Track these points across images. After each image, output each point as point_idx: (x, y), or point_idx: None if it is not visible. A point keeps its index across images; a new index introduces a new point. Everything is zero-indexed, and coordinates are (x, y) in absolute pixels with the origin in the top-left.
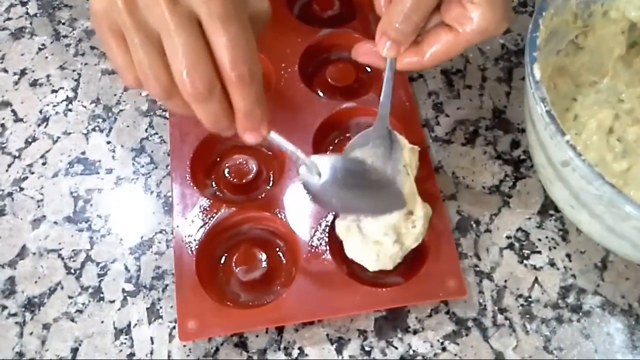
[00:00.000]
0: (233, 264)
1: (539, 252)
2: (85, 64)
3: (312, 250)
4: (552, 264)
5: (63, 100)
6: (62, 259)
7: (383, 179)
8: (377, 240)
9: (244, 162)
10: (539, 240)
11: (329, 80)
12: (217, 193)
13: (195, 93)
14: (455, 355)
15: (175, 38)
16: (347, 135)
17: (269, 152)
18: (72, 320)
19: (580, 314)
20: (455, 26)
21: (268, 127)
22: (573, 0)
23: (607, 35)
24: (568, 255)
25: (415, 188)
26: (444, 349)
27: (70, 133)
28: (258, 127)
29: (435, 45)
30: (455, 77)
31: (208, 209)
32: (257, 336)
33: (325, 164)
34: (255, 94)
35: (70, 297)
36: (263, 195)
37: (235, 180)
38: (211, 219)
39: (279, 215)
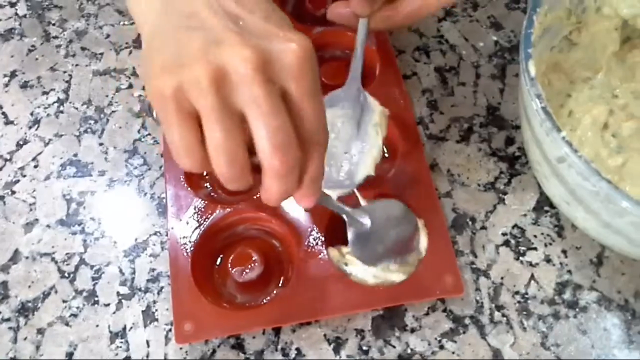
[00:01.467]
0: (229, 265)
1: (535, 249)
2: (76, 65)
3: (309, 250)
4: (548, 260)
5: (54, 102)
6: (56, 262)
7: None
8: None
9: None
10: (535, 236)
11: (323, 78)
12: (212, 194)
13: (284, 169)
14: (453, 353)
15: (271, 119)
16: None
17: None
18: (67, 324)
19: (577, 309)
20: None
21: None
22: None
23: (601, 32)
24: (564, 251)
25: (382, 149)
26: (441, 347)
27: (62, 135)
28: (318, 193)
29: (408, 3)
30: (449, 75)
31: (203, 210)
32: (254, 337)
33: (363, 213)
34: (324, 161)
35: (64, 301)
36: (258, 196)
37: None
38: (206, 220)
39: (274, 215)
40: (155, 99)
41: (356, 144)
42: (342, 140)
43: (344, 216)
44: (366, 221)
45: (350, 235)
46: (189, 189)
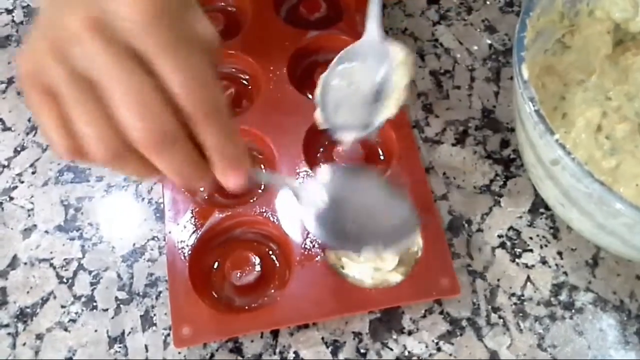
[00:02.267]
0: (226, 269)
1: (531, 251)
2: None
3: (306, 252)
4: (543, 261)
5: None
6: (54, 268)
7: (390, 195)
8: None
9: None
10: (530, 238)
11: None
12: (209, 198)
13: (154, 142)
14: (450, 355)
15: (116, 82)
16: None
17: (260, 156)
18: (66, 329)
19: (573, 311)
20: None
21: (251, 163)
22: None
23: (593, 35)
24: (559, 253)
25: (405, 92)
26: (438, 349)
27: None
28: (238, 166)
29: None
30: (444, 78)
31: (200, 214)
32: (252, 341)
33: (321, 188)
34: (226, 128)
35: (63, 307)
36: (255, 199)
37: None
38: (203, 224)
39: (271, 218)
40: (23, 85)
41: (377, 92)
42: (361, 91)
43: (291, 191)
44: (321, 196)
45: (304, 219)
46: (186, 193)
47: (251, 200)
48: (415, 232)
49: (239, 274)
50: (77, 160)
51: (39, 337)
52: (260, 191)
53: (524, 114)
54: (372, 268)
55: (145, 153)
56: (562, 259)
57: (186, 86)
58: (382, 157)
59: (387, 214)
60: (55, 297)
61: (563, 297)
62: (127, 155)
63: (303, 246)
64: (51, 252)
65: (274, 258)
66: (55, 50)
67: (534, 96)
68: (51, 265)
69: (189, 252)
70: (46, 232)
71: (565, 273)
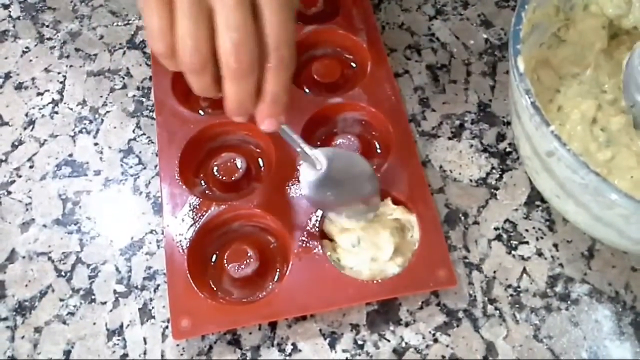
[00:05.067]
0: (224, 261)
1: (527, 243)
2: (71, 66)
3: (303, 245)
4: (539, 253)
5: (49, 103)
6: (52, 261)
7: (366, 171)
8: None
9: (232, 160)
10: (527, 230)
11: (315, 76)
12: (207, 191)
13: (239, 69)
14: (447, 346)
15: (232, 14)
16: (334, 130)
17: (258, 150)
18: (64, 322)
19: (569, 302)
20: None
21: (285, 116)
22: None
23: (589, 29)
24: (555, 245)
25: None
26: (435, 340)
27: (57, 135)
28: (279, 115)
29: None
30: (440, 72)
31: (198, 207)
32: (250, 333)
33: (322, 156)
34: (288, 80)
35: (61, 300)
36: (253, 193)
37: (224, 178)
38: (201, 217)
39: (269, 211)
40: None
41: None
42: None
43: (298, 150)
44: (322, 163)
45: (303, 175)
46: (184, 187)
47: (249, 194)
48: (376, 200)
49: (237, 266)
50: (166, 61)
51: (38, 330)
52: (257, 185)
53: (520, 106)
54: (369, 258)
55: (226, 75)
56: (557, 251)
57: (277, 33)
58: (379, 151)
59: (357, 189)
60: (53, 291)
61: (559, 288)
62: (207, 70)
63: (300, 239)
64: (49, 246)
65: (272, 251)
66: None
67: (529, 88)
68: (49, 259)
69: (187, 245)
70: (44, 226)
71: (561, 265)
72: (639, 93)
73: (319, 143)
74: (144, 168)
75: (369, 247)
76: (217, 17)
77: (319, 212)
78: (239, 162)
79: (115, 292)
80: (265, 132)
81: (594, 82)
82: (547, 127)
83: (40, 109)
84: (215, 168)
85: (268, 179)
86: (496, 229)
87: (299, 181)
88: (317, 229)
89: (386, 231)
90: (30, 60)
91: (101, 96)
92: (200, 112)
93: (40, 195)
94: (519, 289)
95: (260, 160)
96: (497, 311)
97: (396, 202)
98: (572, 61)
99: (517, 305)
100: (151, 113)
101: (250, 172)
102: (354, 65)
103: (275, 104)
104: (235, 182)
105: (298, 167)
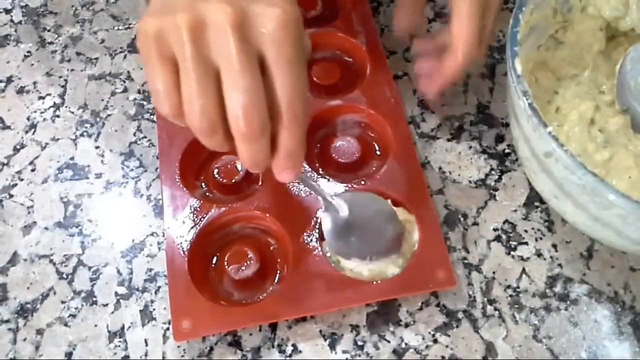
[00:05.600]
0: (225, 263)
1: (526, 243)
2: (72, 70)
3: (303, 247)
4: (539, 254)
5: (50, 107)
6: (54, 264)
7: (386, 210)
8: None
9: (233, 162)
10: (526, 231)
11: (314, 78)
12: (207, 194)
13: (249, 132)
14: (447, 346)
15: (240, 77)
16: (334, 132)
17: None
18: (66, 324)
19: (568, 302)
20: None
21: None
22: None
23: (586, 31)
24: (554, 246)
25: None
26: (435, 341)
27: (58, 139)
28: (297, 167)
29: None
30: None
31: (198, 209)
32: (250, 334)
33: (342, 201)
34: (302, 134)
35: (63, 302)
36: (253, 195)
37: (224, 180)
38: (202, 219)
39: (269, 213)
40: (140, 40)
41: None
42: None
43: (320, 199)
44: (344, 209)
45: (325, 223)
46: (185, 189)
47: (249, 196)
48: (398, 252)
49: (237, 268)
50: (175, 120)
51: (39, 332)
52: (257, 187)
53: (518, 108)
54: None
55: (237, 137)
56: (556, 251)
57: (288, 92)
58: (378, 153)
59: (381, 233)
60: (55, 293)
61: (558, 288)
62: (218, 132)
63: (301, 240)
64: (51, 249)
65: (272, 252)
66: (192, 29)
67: (527, 90)
68: (51, 261)
69: (188, 247)
70: (46, 228)
71: (560, 265)
72: (632, 97)
73: (318, 145)
74: (145, 171)
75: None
76: (223, 78)
77: (319, 214)
78: (239, 165)
79: (116, 294)
80: (283, 181)
81: (592, 83)
82: (545, 129)
83: (41, 112)
84: (216, 170)
85: (268, 181)
86: (495, 229)
87: (317, 229)
88: (317, 231)
89: None
90: (32, 65)
91: (102, 99)
92: None
93: (42, 198)
94: (518, 290)
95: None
96: (497, 312)
97: (396, 203)
98: (570, 63)
99: (516, 306)
100: (152, 116)
101: (250, 174)
102: (353, 67)
103: (291, 157)
104: (235, 185)
105: (316, 216)
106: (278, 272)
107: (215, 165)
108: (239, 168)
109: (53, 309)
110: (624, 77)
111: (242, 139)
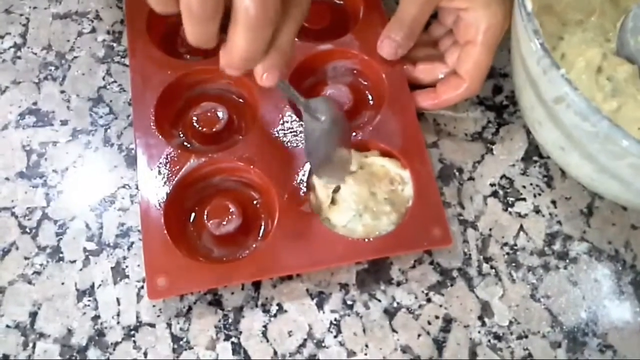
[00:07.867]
0: (205, 218)
1: (524, 199)
2: (34, 7)
3: (290, 201)
4: (537, 211)
5: (10, 47)
6: (16, 217)
7: (339, 113)
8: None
9: (213, 110)
10: (524, 187)
11: (305, 23)
12: (185, 143)
13: (261, 17)
14: (441, 306)
15: None
16: (324, 80)
17: (240, 100)
18: (30, 282)
19: (567, 261)
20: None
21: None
22: None
23: None
24: (553, 202)
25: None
26: (428, 300)
27: (19, 82)
28: (281, 69)
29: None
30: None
31: (175, 159)
32: (232, 293)
33: (321, 106)
34: (295, 36)
35: (26, 258)
36: (235, 145)
37: (204, 129)
38: (179, 170)
39: (253, 165)
40: None
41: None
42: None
43: (300, 107)
44: (322, 115)
45: (307, 131)
46: (160, 137)
47: (231, 147)
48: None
49: (218, 223)
50: (169, 8)
51: (1, 290)
52: (240, 137)
53: (526, 49)
54: (355, 211)
55: (243, 23)
56: (556, 207)
57: None
58: (371, 102)
59: (342, 131)
60: (17, 248)
61: (557, 246)
62: (217, 17)
63: (286, 194)
64: (12, 201)
65: (256, 207)
66: None
67: (538, 29)
68: (13, 214)
69: (164, 200)
70: (7, 179)
71: (559, 222)
72: (632, 56)
73: (307, 94)
74: (116, 118)
75: (349, 198)
76: None
77: (307, 166)
78: (220, 113)
79: (85, 250)
80: (264, 84)
81: (598, 29)
82: (558, 70)
83: (0, 53)
84: (195, 118)
85: (251, 130)
86: (492, 185)
87: (288, 134)
88: (304, 184)
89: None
90: None
91: (68, 40)
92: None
93: (2, 146)
94: (515, 247)
95: (242, 110)
96: (493, 270)
97: (389, 155)
98: (575, 7)
99: (513, 264)
100: (123, 59)
101: (232, 123)
102: (345, 10)
103: (283, 54)
104: (216, 134)
105: (286, 118)
106: (262, 227)
107: (194, 113)
108: (220, 116)
109: (15, 266)
110: (624, 35)
111: (249, 24)
